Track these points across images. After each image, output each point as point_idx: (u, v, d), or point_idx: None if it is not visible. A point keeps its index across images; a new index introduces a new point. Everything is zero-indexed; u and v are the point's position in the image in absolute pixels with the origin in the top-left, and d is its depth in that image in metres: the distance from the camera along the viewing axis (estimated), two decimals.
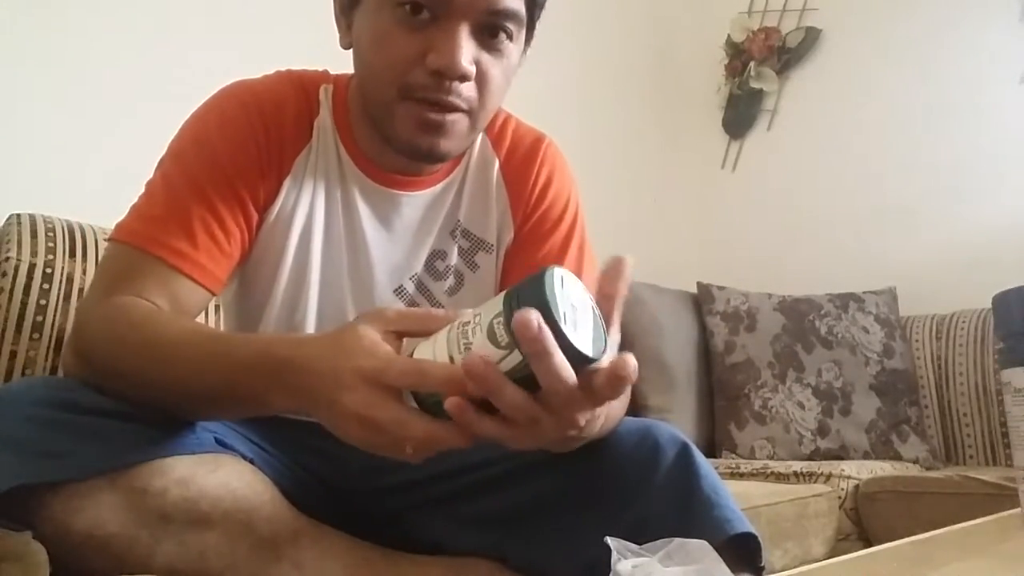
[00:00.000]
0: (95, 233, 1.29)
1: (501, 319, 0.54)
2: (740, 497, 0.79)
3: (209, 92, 0.86)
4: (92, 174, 1.50)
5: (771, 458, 2.01)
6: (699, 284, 2.31)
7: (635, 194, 2.71)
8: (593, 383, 0.55)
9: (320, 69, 0.91)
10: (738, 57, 2.77)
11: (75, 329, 0.77)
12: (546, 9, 0.84)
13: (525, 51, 0.86)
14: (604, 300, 0.59)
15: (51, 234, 1.24)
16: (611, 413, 0.73)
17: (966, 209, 2.35)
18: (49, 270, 1.21)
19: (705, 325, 2.24)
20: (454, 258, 0.93)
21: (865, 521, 1.72)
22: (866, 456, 2.01)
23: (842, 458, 1.99)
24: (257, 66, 0.91)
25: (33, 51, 1.47)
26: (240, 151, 0.82)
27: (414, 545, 0.80)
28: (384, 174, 0.88)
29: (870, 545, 1.53)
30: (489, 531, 0.80)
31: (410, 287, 0.92)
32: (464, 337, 0.56)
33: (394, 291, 0.91)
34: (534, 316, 0.51)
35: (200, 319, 0.89)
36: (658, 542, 0.54)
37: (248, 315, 0.90)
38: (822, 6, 2.65)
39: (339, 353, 0.59)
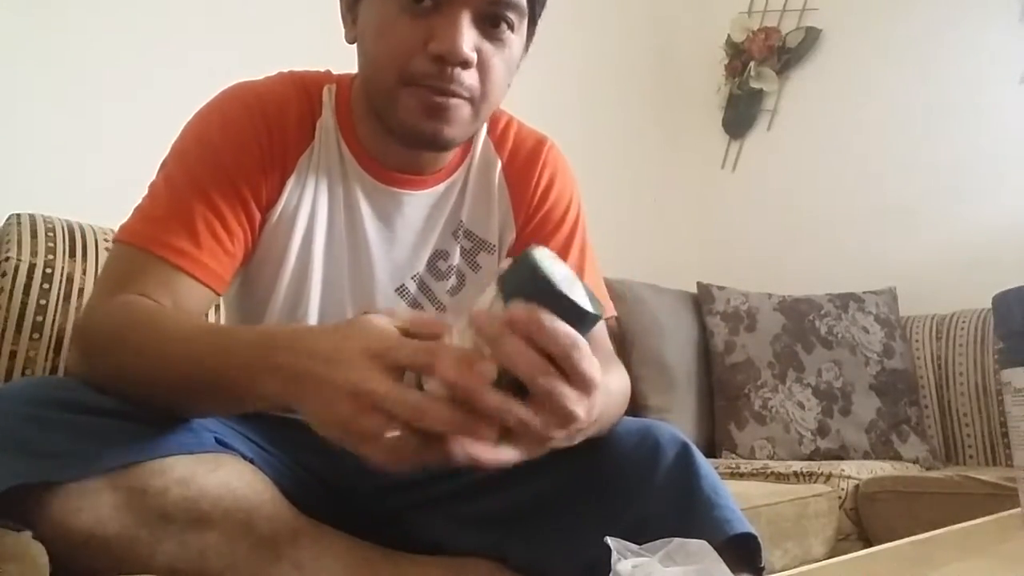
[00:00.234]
0: (95, 233, 1.29)
1: (501, 301, 0.55)
2: (740, 497, 0.80)
3: (209, 92, 0.86)
4: (92, 174, 1.50)
5: (771, 458, 2.01)
6: (699, 284, 2.31)
7: (635, 194, 2.71)
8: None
9: (323, 70, 0.91)
10: (738, 57, 2.77)
11: (78, 329, 0.78)
12: (547, 9, 0.84)
13: (527, 48, 0.86)
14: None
15: (51, 234, 1.24)
16: (609, 411, 0.73)
17: (966, 209, 2.35)
18: (49, 270, 1.21)
19: (705, 325, 2.24)
20: (456, 258, 0.93)
21: (865, 521, 1.72)
22: (866, 456, 2.01)
23: (842, 458, 1.99)
24: (258, 66, 0.91)
25: (33, 51, 1.47)
26: (242, 151, 0.82)
27: (414, 545, 0.80)
28: (387, 173, 0.88)
29: (870, 545, 1.53)
30: (489, 531, 0.80)
31: (412, 286, 0.92)
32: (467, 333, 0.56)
33: (396, 290, 0.91)
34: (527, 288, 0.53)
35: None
36: (658, 542, 0.54)
37: (249, 314, 0.90)
38: (822, 6, 2.65)
39: (348, 335, 0.58)
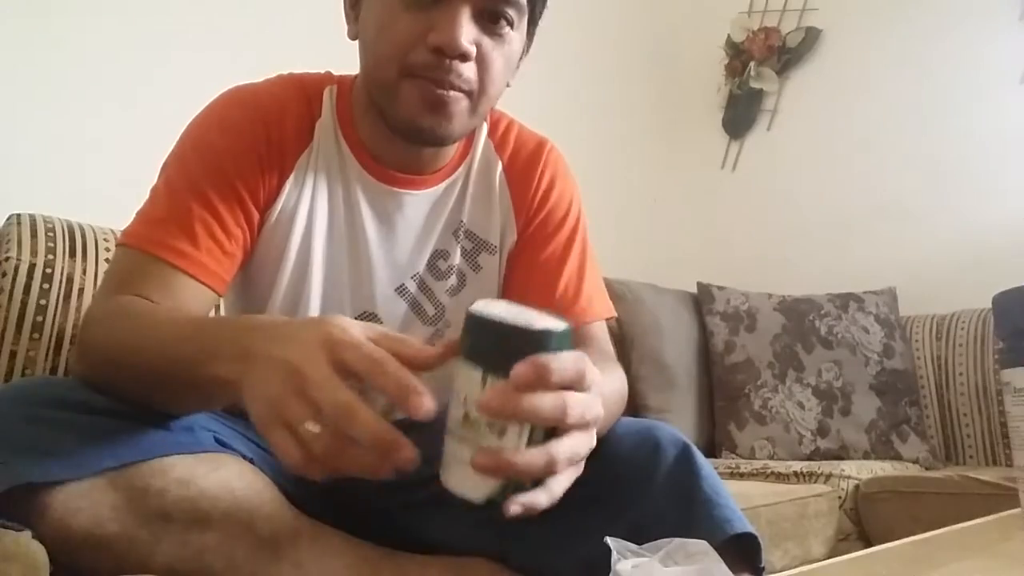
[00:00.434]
0: (95, 233, 1.29)
1: (478, 371, 0.53)
2: (740, 497, 0.80)
3: (209, 93, 0.87)
4: (92, 174, 1.50)
5: (771, 458, 2.01)
6: (699, 284, 2.31)
7: (635, 194, 2.71)
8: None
9: (322, 71, 0.92)
10: (738, 57, 2.77)
11: (79, 330, 0.78)
12: (548, 9, 0.85)
13: (527, 49, 0.86)
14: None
15: (51, 234, 1.24)
16: (608, 412, 0.73)
17: (966, 209, 2.35)
18: (49, 270, 1.21)
19: (705, 325, 2.24)
20: (457, 258, 0.93)
21: (865, 521, 1.72)
22: (866, 456, 2.01)
23: (842, 458, 1.99)
24: (258, 67, 0.91)
25: (33, 51, 1.47)
26: (241, 153, 0.82)
27: (414, 545, 0.80)
28: (387, 172, 0.89)
29: (870, 545, 1.53)
30: (489, 531, 0.80)
31: (412, 286, 0.92)
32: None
33: (395, 290, 0.91)
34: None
35: None
36: (658, 542, 0.54)
37: (249, 312, 0.90)
38: (822, 6, 2.65)
39: (311, 325, 0.56)
